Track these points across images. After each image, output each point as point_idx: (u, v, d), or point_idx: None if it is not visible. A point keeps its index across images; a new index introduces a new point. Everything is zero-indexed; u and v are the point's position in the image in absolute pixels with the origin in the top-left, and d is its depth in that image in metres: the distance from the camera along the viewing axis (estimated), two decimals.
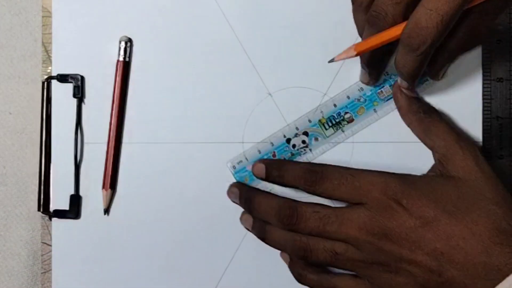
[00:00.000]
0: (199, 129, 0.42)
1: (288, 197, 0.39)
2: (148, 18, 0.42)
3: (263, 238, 0.40)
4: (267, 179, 0.40)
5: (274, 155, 0.41)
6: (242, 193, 0.40)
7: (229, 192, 0.41)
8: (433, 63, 0.37)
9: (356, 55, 0.36)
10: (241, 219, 0.41)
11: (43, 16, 0.43)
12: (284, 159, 0.41)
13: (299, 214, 0.37)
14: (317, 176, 0.38)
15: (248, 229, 0.41)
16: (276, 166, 0.40)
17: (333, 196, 0.38)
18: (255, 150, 0.41)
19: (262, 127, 0.42)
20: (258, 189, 0.41)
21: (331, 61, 0.37)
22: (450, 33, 0.34)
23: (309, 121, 0.41)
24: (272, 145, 0.41)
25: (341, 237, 0.36)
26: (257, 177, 0.40)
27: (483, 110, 0.41)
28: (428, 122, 0.39)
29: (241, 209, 0.41)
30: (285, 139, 0.41)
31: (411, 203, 0.35)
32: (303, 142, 0.41)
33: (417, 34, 0.32)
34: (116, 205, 0.42)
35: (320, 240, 0.37)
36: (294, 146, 0.41)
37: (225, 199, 0.42)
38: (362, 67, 0.39)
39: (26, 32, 0.43)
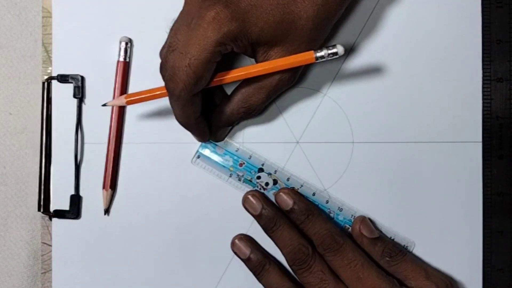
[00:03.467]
0: None
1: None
2: (148, 18, 0.42)
3: (257, 275, 0.40)
4: (288, 213, 0.40)
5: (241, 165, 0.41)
6: (266, 212, 0.40)
7: (248, 202, 0.40)
8: (212, 125, 0.40)
9: (127, 104, 0.38)
10: (234, 245, 0.41)
11: (43, 16, 0.43)
12: (313, 207, 0.40)
13: (308, 265, 0.38)
14: (336, 246, 0.38)
15: (237, 256, 0.41)
16: (305, 211, 0.39)
17: (336, 270, 0.38)
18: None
19: (262, 127, 0.42)
20: (284, 215, 0.40)
21: (104, 105, 0.39)
22: (228, 98, 0.38)
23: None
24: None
25: None
26: (279, 205, 0.40)
27: (483, 110, 0.41)
28: (394, 266, 0.39)
29: (241, 209, 0.41)
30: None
31: None
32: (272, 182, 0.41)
33: (171, 77, 0.35)
34: (116, 205, 0.42)
35: None
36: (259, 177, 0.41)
37: (225, 199, 0.42)
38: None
39: (26, 32, 0.43)
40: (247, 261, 0.40)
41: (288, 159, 0.42)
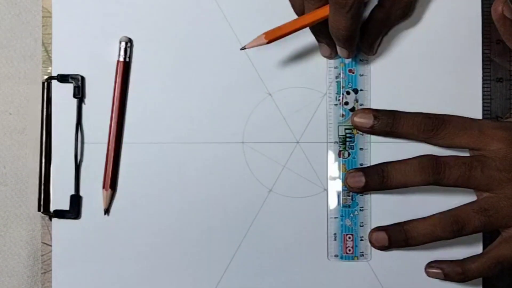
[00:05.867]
0: (199, 129, 0.42)
1: None
2: (148, 18, 0.42)
3: (406, 239, 0.39)
4: (376, 129, 0.39)
5: None
6: (371, 169, 0.39)
7: (354, 176, 0.39)
8: (366, 36, 0.39)
9: (268, 43, 0.36)
10: (371, 237, 0.40)
11: (43, 16, 0.43)
12: (390, 110, 0.40)
13: (443, 162, 0.38)
14: (439, 122, 0.38)
15: (379, 247, 0.40)
16: (388, 114, 0.39)
17: (453, 142, 0.38)
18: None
19: (262, 127, 0.42)
20: (386, 162, 0.39)
21: (243, 48, 0.37)
22: (379, 3, 0.37)
23: None
24: None
25: (485, 181, 0.37)
26: (360, 130, 0.40)
27: (483, 110, 0.41)
28: None
29: (241, 209, 0.41)
30: None
31: None
32: None
33: None
34: (116, 205, 0.42)
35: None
36: None
37: (225, 199, 0.42)
38: (318, 40, 0.40)
39: (26, 32, 0.43)
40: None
41: (288, 159, 0.42)
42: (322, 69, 0.41)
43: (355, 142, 0.41)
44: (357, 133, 0.41)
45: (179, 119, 0.42)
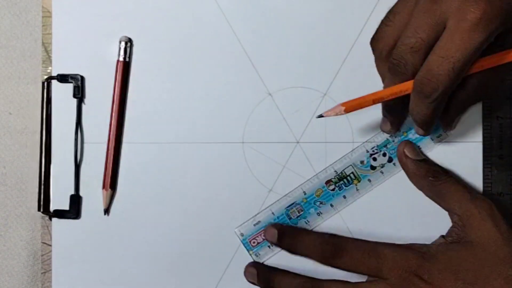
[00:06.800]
0: (199, 129, 0.42)
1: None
2: (148, 18, 0.42)
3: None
4: (279, 245, 0.40)
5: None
6: (260, 273, 0.40)
7: (246, 273, 0.41)
8: (445, 114, 0.37)
9: (345, 113, 0.36)
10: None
11: (43, 16, 0.43)
12: (299, 227, 0.41)
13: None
14: (336, 249, 0.38)
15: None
16: (289, 234, 0.39)
17: (352, 270, 0.38)
18: (269, 212, 0.41)
19: (262, 127, 0.42)
20: (276, 268, 0.40)
21: (319, 116, 0.37)
22: (461, 84, 0.34)
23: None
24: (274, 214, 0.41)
25: None
26: (269, 242, 0.40)
27: (483, 110, 0.41)
28: (438, 186, 0.38)
29: (241, 209, 0.41)
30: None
31: (432, 277, 0.36)
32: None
33: (429, 81, 0.33)
34: (116, 205, 0.42)
35: None
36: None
37: (225, 200, 0.42)
38: (384, 114, 0.39)
39: (26, 32, 0.43)
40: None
41: (288, 159, 0.42)
42: (322, 69, 0.41)
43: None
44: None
45: (179, 119, 0.42)
